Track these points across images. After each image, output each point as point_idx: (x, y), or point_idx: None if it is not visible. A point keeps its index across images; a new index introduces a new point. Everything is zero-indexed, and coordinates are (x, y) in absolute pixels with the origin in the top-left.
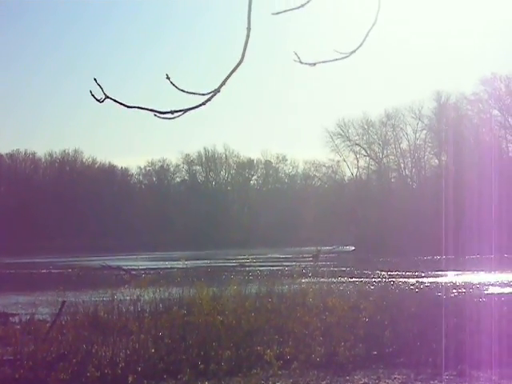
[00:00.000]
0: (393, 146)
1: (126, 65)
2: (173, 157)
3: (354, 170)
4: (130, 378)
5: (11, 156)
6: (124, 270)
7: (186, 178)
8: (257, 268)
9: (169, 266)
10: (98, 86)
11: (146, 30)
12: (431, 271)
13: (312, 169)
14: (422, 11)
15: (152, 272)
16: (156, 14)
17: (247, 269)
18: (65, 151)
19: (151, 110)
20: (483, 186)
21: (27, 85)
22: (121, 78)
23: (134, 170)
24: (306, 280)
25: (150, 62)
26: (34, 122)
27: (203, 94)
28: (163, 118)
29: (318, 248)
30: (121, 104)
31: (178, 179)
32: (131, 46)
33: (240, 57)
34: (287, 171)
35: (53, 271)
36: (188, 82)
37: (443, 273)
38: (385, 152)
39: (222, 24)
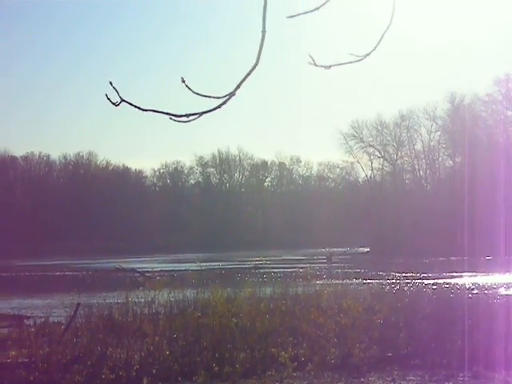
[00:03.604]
0: (407, 147)
1: (138, 67)
2: (187, 159)
3: (368, 172)
4: (145, 381)
5: (25, 158)
6: (138, 272)
7: (199, 180)
8: (271, 270)
9: (183, 268)
10: (113, 90)
11: (159, 34)
12: (446, 272)
13: (326, 170)
14: (436, 12)
15: (166, 274)
16: (170, 17)
17: (261, 271)
18: (79, 154)
19: (167, 114)
20: (497, 187)
21: (40, 87)
22: (132, 80)
23: (148, 172)
24: (321, 282)
25: (163, 65)
26: (48, 124)
27: (218, 97)
28: (178, 121)
29: (331, 251)
30: (136, 107)
31: (191, 181)
32: (143, 48)
33: (255, 60)
34: (301, 173)
35: (67, 273)
36: (202, 85)
37: (457, 274)
38: (399, 153)
39: (237, 27)
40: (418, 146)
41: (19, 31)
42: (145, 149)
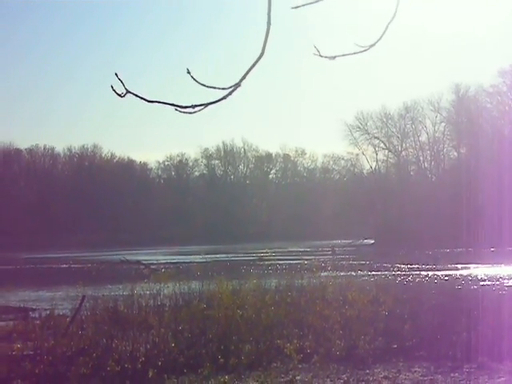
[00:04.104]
0: (412, 138)
1: (143, 59)
2: (191, 151)
3: (373, 163)
4: (150, 373)
5: (30, 151)
6: (143, 264)
7: (204, 172)
8: (276, 262)
9: (188, 260)
10: (118, 81)
11: (163, 26)
12: (451, 264)
13: (331, 162)
14: (440, 4)
15: (171, 266)
16: (174, 9)
17: (266, 263)
18: (83, 146)
19: (172, 105)
20: (502, 178)
21: (45, 79)
22: (137, 73)
23: (152, 164)
24: (326, 274)
25: (168, 57)
26: (53, 117)
27: (224, 89)
28: (184, 112)
29: (333, 243)
30: (142, 98)
31: (196, 173)
32: (148, 41)
33: (260, 51)
34: (306, 165)
35: (72, 266)
36: (207, 77)
37: (463, 265)
38: (404, 145)
39: (242, 18)
40: (423, 138)
41: (25, 24)
42: (149, 141)
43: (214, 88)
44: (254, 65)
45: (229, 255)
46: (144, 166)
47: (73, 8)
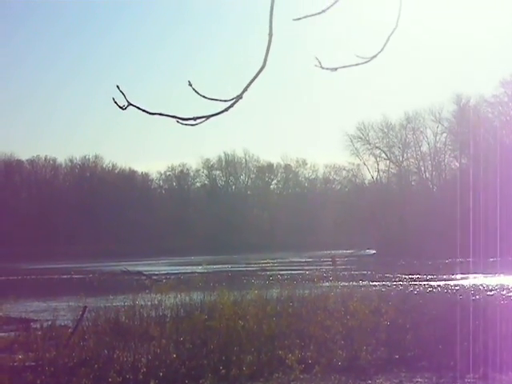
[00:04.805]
0: (413, 149)
1: (143, 69)
2: (193, 161)
3: (375, 174)
4: (152, 383)
5: (32, 162)
6: (145, 275)
7: (205, 182)
8: (277, 272)
9: (189, 271)
10: (120, 93)
11: (164, 36)
12: (452, 274)
13: (332, 172)
14: (442, 14)
15: (173, 277)
16: (175, 19)
17: (268, 273)
18: (85, 157)
19: (174, 117)
20: (504, 188)
21: (45, 89)
22: (137, 82)
23: (154, 175)
24: (327, 284)
25: (169, 67)
26: (54, 127)
27: (225, 101)
28: (186, 124)
29: (333, 253)
30: (143, 111)
31: (198, 184)
32: (148, 51)
33: (262, 62)
34: (307, 175)
35: (74, 277)
36: (208, 88)
37: (464, 276)
38: (405, 155)
39: (244, 29)
40: (424, 148)
41: (22, 34)
42: (151, 151)
43: (216, 100)
44: (255, 77)
45: (230, 266)
46: (145, 177)
47: (70, 18)
